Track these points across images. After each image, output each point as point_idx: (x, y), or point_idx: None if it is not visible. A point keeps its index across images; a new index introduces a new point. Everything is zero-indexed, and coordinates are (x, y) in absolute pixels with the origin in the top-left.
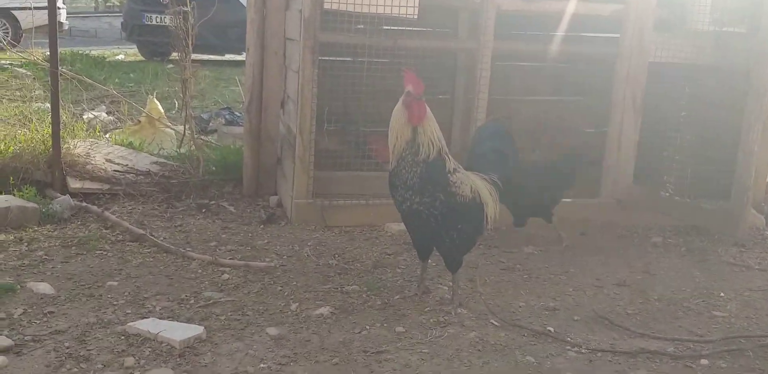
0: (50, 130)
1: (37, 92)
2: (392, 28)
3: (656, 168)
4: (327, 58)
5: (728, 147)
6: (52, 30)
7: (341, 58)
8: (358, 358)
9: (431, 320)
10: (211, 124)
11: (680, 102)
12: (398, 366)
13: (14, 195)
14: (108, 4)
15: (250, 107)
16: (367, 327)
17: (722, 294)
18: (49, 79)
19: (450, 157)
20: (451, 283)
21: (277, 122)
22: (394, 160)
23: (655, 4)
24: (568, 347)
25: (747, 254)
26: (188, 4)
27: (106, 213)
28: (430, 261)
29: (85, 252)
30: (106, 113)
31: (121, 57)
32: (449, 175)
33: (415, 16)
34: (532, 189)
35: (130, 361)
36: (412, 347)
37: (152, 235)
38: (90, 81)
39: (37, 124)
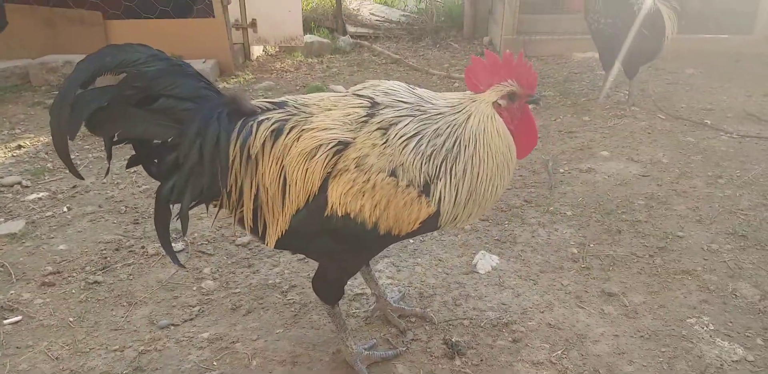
0: None
1: None
2: None
3: None
4: None
5: None
6: None
7: None
8: (555, 135)
9: (610, 114)
10: None
11: None
12: (584, 140)
13: (314, 34)
14: None
15: None
16: (560, 116)
17: None
18: None
19: None
20: (627, 90)
21: None
22: None
23: None
24: (721, 133)
25: None
26: None
27: (374, 46)
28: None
29: (362, 70)
30: None
31: None
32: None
33: None
34: None
35: None
36: (595, 129)
37: (404, 60)
38: None
39: None
